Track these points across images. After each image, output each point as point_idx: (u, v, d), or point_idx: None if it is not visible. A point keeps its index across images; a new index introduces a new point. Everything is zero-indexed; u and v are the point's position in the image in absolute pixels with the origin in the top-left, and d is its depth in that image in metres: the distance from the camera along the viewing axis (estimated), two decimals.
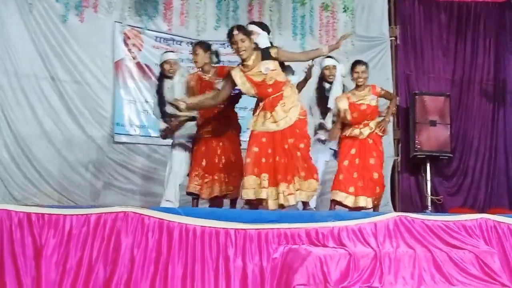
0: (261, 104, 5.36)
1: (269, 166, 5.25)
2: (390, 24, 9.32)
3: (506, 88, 9.63)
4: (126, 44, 8.20)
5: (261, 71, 5.28)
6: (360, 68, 6.23)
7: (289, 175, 5.24)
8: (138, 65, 8.22)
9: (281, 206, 5.22)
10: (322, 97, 6.64)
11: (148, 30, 8.31)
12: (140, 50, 8.27)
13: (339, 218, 4.89)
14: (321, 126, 6.69)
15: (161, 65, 6.34)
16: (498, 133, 9.60)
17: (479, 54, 9.69)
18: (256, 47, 5.37)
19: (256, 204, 5.32)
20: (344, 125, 6.27)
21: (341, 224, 4.81)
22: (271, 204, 5.20)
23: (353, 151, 6.21)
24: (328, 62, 6.60)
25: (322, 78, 6.68)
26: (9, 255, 4.05)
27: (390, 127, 7.65)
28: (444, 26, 9.69)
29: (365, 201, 6.09)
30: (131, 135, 8.09)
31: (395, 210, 8.27)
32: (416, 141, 8.74)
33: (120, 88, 8.11)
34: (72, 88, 7.81)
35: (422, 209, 8.71)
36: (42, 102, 7.63)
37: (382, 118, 6.41)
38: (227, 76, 5.45)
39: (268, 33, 5.93)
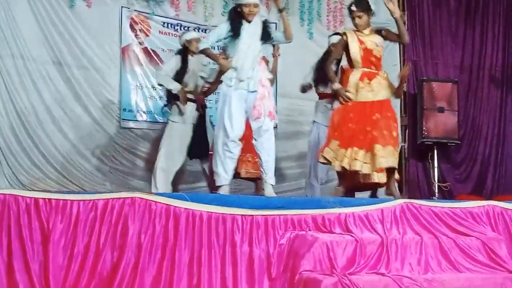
0: (356, 73, 5.67)
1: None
2: None
3: None
4: (133, 30, 8.19)
5: (374, 42, 5.70)
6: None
7: None
8: (145, 50, 8.22)
9: None
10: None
11: (155, 15, 8.29)
12: (147, 35, 8.26)
13: (346, 204, 4.89)
14: (304, 89, 7.07)
15: (188, 42, 6.78)
16: (506, 120, 9.56)
17: (488, 41, 9.63)
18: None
19: None
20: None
21: (348, 211, 4.81)
22: None
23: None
24: (336, 39, 6.62)
25: (329, 52, 6.70)
26: (17, 240, 4.07)
27: (397, 114, 7.61)
28: (452, 12, 9.63)
29: None
30: (138, 120, 8.10)
31: (402, 196, 8.26)
32: (424, 128, 8.70)
33: (127, 73, 8.11)
34: (79, 73, 7.81)
35: (429, 195, 8.69)
36: (49, 86, 7.64)
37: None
38: (341, 36, 5.88)
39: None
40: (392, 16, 5.72)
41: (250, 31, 5.60)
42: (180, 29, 8.28)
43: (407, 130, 9.11)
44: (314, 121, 7.12)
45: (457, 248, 4.86)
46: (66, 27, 7.76)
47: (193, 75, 6.80)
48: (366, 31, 5.78)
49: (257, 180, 6.96)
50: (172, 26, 8.37)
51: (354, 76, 5.71)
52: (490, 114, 9.53)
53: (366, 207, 4.89)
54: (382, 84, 5.71)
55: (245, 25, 5.59)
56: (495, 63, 9.63)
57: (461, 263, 4.79)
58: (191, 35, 6.96)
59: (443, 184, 8.92)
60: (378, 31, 5.82)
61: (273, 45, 6.88)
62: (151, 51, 8.23)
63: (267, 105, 5.57)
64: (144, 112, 8.15)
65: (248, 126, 5.67)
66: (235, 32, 5.56)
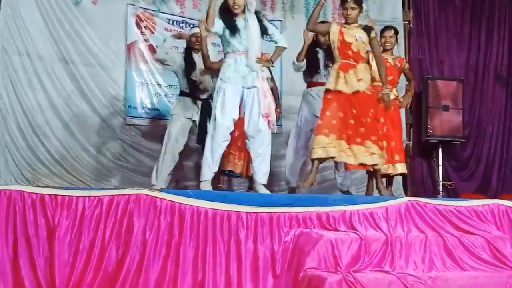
0: (335, 65, 5.77)
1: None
2: (404, 8, 9.23)
3: None
4: (139, 27, 8.18)
5: (354, 35, 5.70)
6: (388, 33, 6.46)
7: None
8: (151, 47, 8.20)
9: None
10: (311, 60, 6.73)
11: (161, 12, 8.29)
12: (152, 32, 8.25)
13: (350, 202, 4.90)
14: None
15: (189, 37, 6.82)
16: (511, 118, 9.54)
17: (494, 40, 9.60)
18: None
19: None
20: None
21: (353, 208, 4.82)
22: None
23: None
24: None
25: (316, 43, 6.70)
26: (22, 236, 4.09)
27: (402, 112, 7.60)
28: (458, 11, 9.60)
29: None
30: (143, 117, 8.11)
31: (406, 194, 8.25)
32: (429, 126, 8.67)
33: (133, 70, 8.11)
34: (84, 70, 7.81)
35: (434, 194, 8.68)
36: (54, 84, 7.64)
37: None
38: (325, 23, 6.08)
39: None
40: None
41: (248, 26, 5.52)
42: (186, 27, 8.27)
43: (412, 128, 9.10)
44: (300, 109, 7.07)
45: (462, 247, 4.86)
46: (72, 25, 7.77)
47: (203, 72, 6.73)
48: (353, 26, 5.81)
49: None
50: (177, 23, 8.37)
51: (334, 70, 5.78)
52: (495, 112, 9.51)
53: (371, 205, 4.90)
54: (358, 76, 5.70)
55: (239, 20, 5.54)
56: (500, 62, 9.60)
57: (465, 261, 4.80)
58: (193, 30, 6.93)
59: (448, 183, 8.90)
60: (367, 28, 5.82)
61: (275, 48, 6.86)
62: (156, 48, 8.21)
63: (267, 105, 5.56)
64: (149, 109, 8.15)
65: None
66: (231, 27, 5.50)
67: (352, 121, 5.62)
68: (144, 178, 7.77)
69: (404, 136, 8.79)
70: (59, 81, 7.66)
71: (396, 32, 6.66)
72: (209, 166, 5.50)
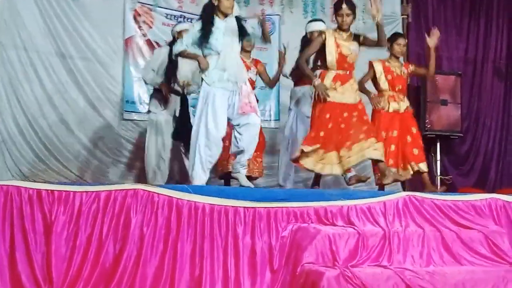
0: (330, 75, 5.77)
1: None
2: (402, 2, 9.23)
3: None
4: (137, 21, 8.17)
5: (350, 48, 5.79)
6: (402, 41, 6.49)
7: None
8: (148, 42, 8.20)
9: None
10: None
11: (159, 7, 8.28)
12: (150, 27, 8.24)
13: (348, 197, 4.89)
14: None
15: (179, 33, 6.62)
16: (510, 112, 9.54)
17: (492, 33, 9.60)
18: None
19: None
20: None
21: (350, 203, 4.82)
22: None
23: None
24: (318, 26, 6.64)
25: (309, 41, 6.66)
26: (20, 231, 4.09)
27: None
28: (457, 4, 9.60)
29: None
30: (140, 112, 8.08)
31: (404, 189, 8.25)
32: (427, 120, 8.67)
33: (130, 65, 8.10)
34: (82, 65, 7.79)
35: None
36: (52, 78, 7.63)
37: None
38: (318, 34, 5.98)
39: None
40: (373, 20, 5.78)
41: (227, 27, 5.45)
42: (184, 21, 8.24)
43: None
44: (290, 108, 7.09)
45: (459, 241, 4.87)
46: (69, 19, 7.75)
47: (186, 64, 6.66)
48: (346, 34, 5.81)
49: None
50: (175, 18, 8.34)
51: (329, 78, 5.78)
52: (493, 107, 9.51)
53: (368, 200, 4.90)
54: (353, 89, 5.85)
55: (218, 22, 5.45)
56: (499, 56, 9.60)
57: (463, 256, 4.81)
58: (181, 26, 6.89)
59: (446, 177, 8.90)
60: (356, 37, 5.87)
61: (279, 52, 6.85)
62: (154, 43, 8.20)
63: (254, 100, 5.55)
64: (146, 104, 8.10)
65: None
66: (207, 30, 5.39)
67: (343, 125, 5.69)
68: (144, 173, 7.77)
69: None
70: (56, 76, 7.65)
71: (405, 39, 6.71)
72: (200, 178, 5.36)
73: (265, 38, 5.60)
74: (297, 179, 7.33)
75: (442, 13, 9.48)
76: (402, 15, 9.17)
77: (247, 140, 5.49)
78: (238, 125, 5.49)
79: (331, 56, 5.76)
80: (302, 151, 5.71)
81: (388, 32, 8.84)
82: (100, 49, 7.93)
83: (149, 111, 6.99)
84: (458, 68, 9.29)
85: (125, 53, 8.07)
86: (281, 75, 6.89)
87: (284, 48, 6.78)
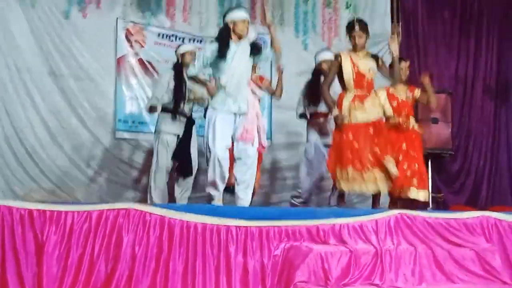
0: (349, 96, 5.82)
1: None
2: (392, 21, 9.28)
3: (508, 85, 9.62)
4: (129, 40, 8.18)
5: (368, 67, 5.88)
6: (404, 64, 6.55)
7: None
8: (140, 61, 8.21)
9: None
10: (314, 88, 6.70)
11: (151, 26, 8.30)
12: (142, 46, 8.25)
13: (340, 215, 4.90)
14: (301, 116, 7.12)
15: (182, 55, 6.87)
16: (500, 130, 9.61)
17: (482, 52, 9.70)
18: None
19: None
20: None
21: (342, 221, 4.82)
22: None
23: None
24: (326, 55, 6.71)
25: (319, 71, 6.75)
26: (11, 251, 4.05)
27: None
28: (447, 22, 9.68)
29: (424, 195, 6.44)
30: (132, 131, 8.09)
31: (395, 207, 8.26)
32: None
33: (122, 84, 8.09)
34: (74, 84, 7.76)
35: (423, 206, 8.68)
36: (44, 97, 7.58)
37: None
38: (334, 58, 6.04)
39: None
40: (392, 56, 5.95)
41: (239, 50, 5.55)
42: (176, 40, 8.29)
43: None
44: (308, 140, 7.14)
45: (451, 259, 4.88)
46: (61, 38, 7.73)
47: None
48: (362, 53, 5.86)
49: None
50: (168, 37, 8.38)
51: (348, 100, 5.81)
52: (484, 125, 9.57)
53: (360, 218, 4.90)
54: (374, 104, 5.87)
55: (232, 45, 5.54)
56: (489, 74, 9.67)
57: (455, 274, 4.81)
58: (185, 48, 6.99)
59: (438, 195, 8.91)
60: (374, 57, 5.90)
61: (278, 66, 6.97)
62: (146, 62, 8.23)
63: (256, 133, 5.61)
64: (139, 123, 8.14)
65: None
66: (222, 53, 5.49)
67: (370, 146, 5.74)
68: (136, 193, 7.76)
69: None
70: (48, 95, 7.61)
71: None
72: (217, 197, 5.60)
73: (275, 46, 5.71)
74: None
75: (433, 32, 9.56)
76: (392, 34, 9.21)
77: (241, 173, 5.61)
78: (235, 152, 5.61)
79: (347, 75, 5.81)
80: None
81: (378, 50, 9.02)
82: (92, 68, 7.90)
83: (156, 131, 6.97)
84: (449, 86, 9.35)
85: (117, 72, 8.07)
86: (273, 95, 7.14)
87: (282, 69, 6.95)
